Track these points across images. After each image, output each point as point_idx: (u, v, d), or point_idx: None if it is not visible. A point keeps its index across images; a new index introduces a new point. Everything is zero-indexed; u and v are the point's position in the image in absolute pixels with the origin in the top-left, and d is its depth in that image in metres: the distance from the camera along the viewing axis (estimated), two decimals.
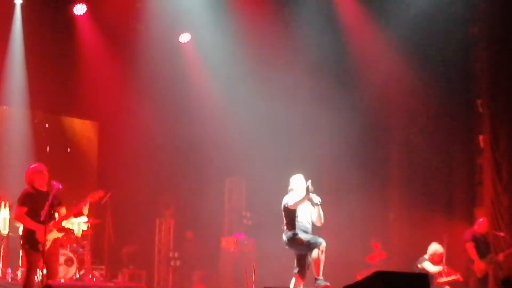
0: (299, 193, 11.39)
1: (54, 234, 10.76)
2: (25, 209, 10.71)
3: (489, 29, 16.48)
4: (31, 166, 11.22)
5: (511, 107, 15.98)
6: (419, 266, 14.25)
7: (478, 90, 16.96)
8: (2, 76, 16.35)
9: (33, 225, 10.64)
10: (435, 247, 14.42)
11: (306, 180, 11.35)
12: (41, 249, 10.54)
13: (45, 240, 10.49)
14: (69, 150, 17.92)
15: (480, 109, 16.84)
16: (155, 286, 17.26)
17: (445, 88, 17.18)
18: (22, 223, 11.06)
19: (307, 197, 11.20)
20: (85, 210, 12.59)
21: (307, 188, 11.14)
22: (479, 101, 16.90)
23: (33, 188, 10.89)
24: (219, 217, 18.42)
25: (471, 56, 17.11)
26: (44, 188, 10.94)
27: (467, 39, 17.03)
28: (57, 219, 10.87)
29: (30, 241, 10.65)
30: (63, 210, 11.09)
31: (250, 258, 16.84)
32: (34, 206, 10.73)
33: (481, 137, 16.77)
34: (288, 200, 11.35)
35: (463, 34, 16.90)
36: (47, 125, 17.30)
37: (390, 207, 17.90)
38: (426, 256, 14.39)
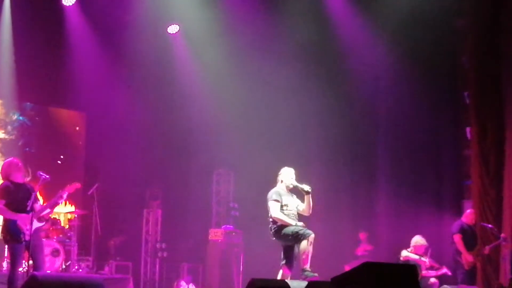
0: (284, 190, 11.47)
1: (34, 224, 10.65)
2: (3, 201, 10.64)
3: (476, 21, 16.48)
4: (6, 160, 11.28)
5: (498, 100, 15.98)
6: (400, 258, 14.29)
7: (465, 82, 16.99)
8: None
9: (13, 215, 10.59)
10: (416, 239, 14.46)
11: (303, 176, 11.44)
12: (23, 239, 10.51)
13: (30, 229, 10.43)
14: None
15: (468, 101, 16.88)
16: (142, 278, 17.24)
17: (432, 81, 17.23)
18: (1, 214, 11.02)
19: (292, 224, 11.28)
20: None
21: (306, 192, 11.25)
22: (466, 93, 16.94)
23: (10, 181, 10.84)
24: (207, 208, 18.41)
25: (458, 49, 17.15)
26: (21, 180, 10.89)
27: (454, 31, 17.07)
28: (35, 210, 10.82)
29: (11, 232, 10.58)
30: (37, 206, 11.05)
31: (238, 249, 16.89)
32: (14, 198, 10.70)
33: (468, 129, 16.80)
34: (273, 210, 11.32)
35: (450, 27, 16.94)
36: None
37: (377, 199, 17.91)
38: (408, 249, 14.43)
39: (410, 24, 16.56)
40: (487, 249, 14.76)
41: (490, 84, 16.19)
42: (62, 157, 17.79)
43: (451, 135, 17.50)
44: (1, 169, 11.13)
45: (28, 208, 10.59)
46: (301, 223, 11.31)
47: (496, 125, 15.97)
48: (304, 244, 11.01)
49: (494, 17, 16.02)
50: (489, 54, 16.19)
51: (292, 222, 11.26)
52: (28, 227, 10.52)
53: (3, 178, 11.05)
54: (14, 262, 10.66)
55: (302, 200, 11.52)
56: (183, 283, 16.76)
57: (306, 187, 11.34)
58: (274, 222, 11.33)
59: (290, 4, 16.94)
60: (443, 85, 17.35)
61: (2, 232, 10.83)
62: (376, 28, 17.02)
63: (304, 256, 11.07)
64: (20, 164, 10.99)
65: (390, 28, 16.87)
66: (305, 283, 9.54)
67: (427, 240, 14.54)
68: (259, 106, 17.57)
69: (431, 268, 14.40)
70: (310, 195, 11.40)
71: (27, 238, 10.50)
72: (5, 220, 10.81)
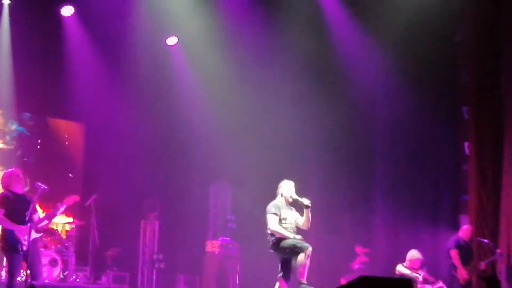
0: (284, 203, 11.48)
1: (32, 235, 10.62)
2: (2, 210, 10.65)
3: (476, 37, 16.53)
4: (7, 171, 11.33)
5: (497, 115, 16.02)
6: (396, 272, 14.33)
7: (464, 97, 17.03)
8: None
9: (11, 225, 10.61)
10: (412, 253, 14.51)
11: (300, 190, 11.45)
12: (20, 249, 10.55)
13: (29, 239, 10.43)
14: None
15: (466, 116, 16.92)
16: None
17: (431, 95, 17.26)
18: (0, 224, 10.99)
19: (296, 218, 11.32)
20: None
21: (306, 206, 11.24)
22: (465, 108, 16.97)
23: (10, 191, 10.87)
24: (204, 220, 18.37)
25: (458, 63, 17.18)
26: (21, 191, 10.93)
27: (454, 46, 17.10)
28: (34, 221, 10.83)
29: (9, 242, 10.61)
30: (36, 216, 11.06)
31: (234, 261, 16.90)
32: (13, 208, 10.71)
33: (466, 144, 16.82)
34: (272, 223, 11.32)
35: (449, 41, 16.97)
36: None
37: (375, 212, 17.91)
38: (404, 263, 14.47)
39: (410, 37, 16.60)
40: (483, 265, 14.78)
41: (489, 99, 16.23)
42: (60, 167, 17.76)
43: (450, 150, 17.50)
44: (2, 179, 11.18)
45: (27, 219, 10.61)
46: (299, 236, 11.32)
47: (495, 141, 15.99)
48: (301, 257, 11.01)
49: (494, 32, 16.06)
50: (489, 70, 16.25)
51: (290, 235, 11.26)
52: (25, 237, 10.53)
53: (3, 188, 11.08)
54: (12, 272, 10.67)
55: (301, 214, 11.51)
56: None
57: (306, 201, 11.33)
58: (272, 234, 11.34)
59: (290, 15, 16.95)
60: (442, 99, 17.37)
61: (0, 241, 10.82)
62: (376, 41, 17.03)
63: (301, 269, 11.06)
64: (20, 175, 11.02)
65: (390, 41, 16.89)
66: None
67: (423, 254, 14.57)
68: (257, 119, 17.58)
69: (427, 282, 14.42)
70: (310, 209, 11.40)
71: (24, 248, 10.53)
72: (3, 230, 10.83)
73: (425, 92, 17.21)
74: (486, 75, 16.31)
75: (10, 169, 11.35)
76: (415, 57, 16.85)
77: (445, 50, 16.86)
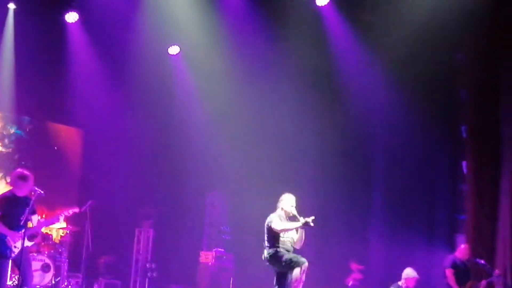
0: (284, 216, 11.40)
1: (24, 242, 10.46)
2: None
3: (476, 56, 16.52)
4: (17, 171, 11.06)
5: (495, 135, 15.99)
6: None
7: (463, 116, 17.01)
8: None
9: (4, 230, 10.49)
10: (407, 272, 14.45)
11: (297, 203, 11.37)
12: (9, 255, 10.46)
13: (22, 245, 10.28)
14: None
15: (465, 136, 16.90)
16: None
17: (430, 113, 17.24)
18: None
19: (297, 228, 11.21)
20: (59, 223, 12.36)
21: (306, 223, 11.10)
22: (463, 127, 16.96)
23: (12, 193, 10.76)
24: (199, 230, 18.33)
25: (457, 82, 17.16)
26: (22, 194, 10.77)
27: (453, 65, 17.09)
28: (29, 227, 10.72)
29: (0, 247, 10.47)
30: (35, 219, 10.98)
31: (228, 273, 16.80)
32: (10, 211, 10.60)
33: (464, 163, 16.80)
34: (275, 223, 11.25)
35: (449, 60, 16.95)
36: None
37: (371, 229, 17.88)
38: (400, 282, 14.41)
39: (410, 55, 16.54)
40: (483, 284, 14.68)
41: (488, 119, 16.19)
42: (57, 172, 17.72)
43: (447, 168, 17.49)
44: (11, 177, 11.17)
45: (22, 223, 10.49)
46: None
47: (493, 161, 15.95)
48: (296, 271, 10.96)
49: (494, 52, 16.04)
50: (488, 90, 16.22)
51: (293, 226, 11.18)
52: (16, 244, 10.46)
53: (10, 186, 11.03)
54: (0, 277, 10.50)
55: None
56: None
57: (303, 221, 11.20)
58: (270, 246, 11.27)
59: (292, 27, 16.90)
60: (441, 118, 17.37)
61: None
62: (376, 58, 17.05)
63: (295, 284, 11.01)
64: (29, 178, 10.79)
65: (390, 59, 16.87)
66: None
67: (418, 273, 14.51)
68: (256, 130, 17.58)
69: None
70: (305, 229, 11.32)
71: (13, 254, 10.45)
72: None
73: (424, 110, 17.19)
74: (485, 95, 16.29)
75: (20, 170, 11.09)
76: (414, 75, 16.82)
77: (445, 69, 16.83)
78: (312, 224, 11.07)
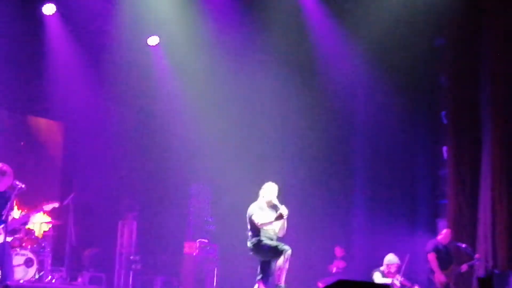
0: (265, 205, 11.44)
1: (1, 238, 10.31)
2: None
3: (455, 42, 16.60)
4: None
5: (475, 120, 16.07)
6: (371, 277, 14.38)
7: (443, 102, 17.09)
8: None
9: None
10: (389, 258, 14.59)
11: (279, 193, 11.41)
12: None
13: (5, 240, 10.19)
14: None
15: (445, 121, 16.98)
16: None
17: (410, 98, 17.35)
18: None
19: (275, 221, 11.24)
20: (37, 217, 12.16)
21: (280, 216, 11.14)
22: (443, 113, 17.05)
23: None
24: (183, 221, 18.26)
25: (437, 68, 17.24)
26: (1, 189, 10.54)
27: (433, 50, 17.17)
28: (9, 222, 10.46)
29: None
30: (15, 213, 10.84)
31: (213, 263, 16.76)
32: None
33: (445, 149, 16.89)
34: (255, 216, 11.30)
35: (429, 46, 17.04)
36: None
37: (353, 215, 17.98)
38: (381, 268, 14.51)
39: (390, 40, 16.60)
40: (464, 267, 14.79)
41: (467, 104, 16.27)
42: (38, 166, 17.63)
43: (428, 154, 17.60)
44: None
45: (3, 218, 10.32)
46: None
47: (473, 146, 16.03)
48: (280, 260, 11.02)
49: (473, 38, 16.12)
50: (467, 75, 16.31)
51: (271, 219, 11.22)
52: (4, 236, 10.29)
53: None
54: None
55: None
56: None
57: (284, 211, 11.22)
58: (253, 235, 11.32)
59: (271, 14, 16.86)
60: (421, 103, 17.51)
61: None
62: (356, 43, 17.09)
63: (279, 272, 11.08)
64: (8, 172, 10.60)
65: (370, 42, 16.94)
66: None
67: (400, 258, 14.61)
68: (237, 120, 17.57)
69: (403, 287, 14.45)
70: (285, 218, 11.35)
71: None
72: None
73: (404, 96, 17.30)
74: (465, 80, 16.36)
75: None
76: (395, 60, 16.91)
77: (426, 54, 16.94)
78: (285, 216, 11.15)
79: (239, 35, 17.17)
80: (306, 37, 17.30)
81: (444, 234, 15.24)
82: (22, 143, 17.78)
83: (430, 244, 15.04)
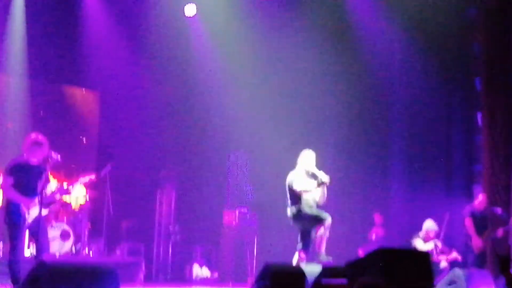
0: (304, 173, 11.48)
1: (39, 211, 10.12)
2: (11, 179, 10.16)
3: (488, 10, 16.62)
4: (32, 135, 10.54)
5: (508, 86, 16.09)
6: (412, 243, 14.44)
7: (476, 68, 17.11)
8: (1, 44, 16.19)
9: (18, 198, 10.11)
10: (428, 224, 14.70)
11: (317, 159, 11.45)
12: (23, 224, 10.08)
13: (40, 213, 10.02)
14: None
15: (479, 87, 16.99)
16: (155, 260, 16.94)
17: (444, 65, 17.34)
18: (5, 194, 10.44)
19: (316, 187, 11.29)
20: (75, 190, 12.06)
21: (322, 183, 11.19)
22: (477, 79, 17.05)
23: (26, 159, 10.32)
24: (222, 190, 18.31)
25: (470, 35, 17.25)
26: (36, 162, 10.33)
27: (466, 19, 17.20)
28: (45, 194, 10.29)
29: (12, 217, 10.11)
30: (51, 185, 10.71)
31: (252, 232, 16.76)
32: (23, 179, 10.21)
33: (479, 115, 16.89)
34: (295, 183, 11.34)
35: (462, 15, 17.11)
36: None
37: (390, 182, 18.04)
38: (420, 234, 14.58)
39: (424, 10, 16.62)
40: (500, 232, 14.79)
41: (500, 71, 16.31)
42: (74, 137, 17.65)
43: (463, 120, 17.66)
44: (24, 143, 10.48)
45: (38, 190, 10.14)
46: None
47: (506, 112, 16.06)
48: (321, 229, 11.07)
49: (505, 6, 16.14)
50: (500, 42, 16.36)
51: (311, 186, 11.28)
52: (30, 212, 10.16)
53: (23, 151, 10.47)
54: (14, 247, 10.15)
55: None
56: (196, 266, 16.71)
57: (324, 177, 11.27)
58: (293, 203, 11.36)
59: None
60: (455, 70, 17.51)
61: (4, 213, 10.28)
62: (391, 11, 17.05)
63: (319, 241, 11.15)
64: (43, 142, 10.36)
65: (405, 14, 16.92)
66: (319, 267, 9.58)
67: (437, 224, 14.68)
68: (276, 89, 17.47)
69: (441, 252, 14.53)
70: (326, 185, 11.39)
71: (27, 223, 10.14)
72: (8, 202, 10.26)
73: (438, 64, 17.32)
74: (498, 47, 16.42)
75: (35, 134, 10.53)
76: (429, 29, 16.89)
77: (458, 22, 16.95)
78: (327, 182, 11.20)
79: (278, 6, 17.15)
80: (344, 8, 17.27)
81: (478, 199, 15.25)
82: (81, 112, 17.82)
83: (466, 210, 15.06)
